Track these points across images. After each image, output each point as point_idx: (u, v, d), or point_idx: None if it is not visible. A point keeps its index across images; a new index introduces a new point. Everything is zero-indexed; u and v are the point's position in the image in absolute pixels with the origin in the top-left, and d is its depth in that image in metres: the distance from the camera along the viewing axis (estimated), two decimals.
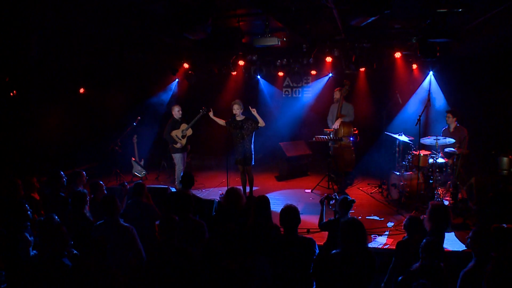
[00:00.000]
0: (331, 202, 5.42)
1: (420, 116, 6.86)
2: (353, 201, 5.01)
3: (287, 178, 10.42)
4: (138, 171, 10.48)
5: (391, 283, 4.33)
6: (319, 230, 5.53)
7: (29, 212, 5.24)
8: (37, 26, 5.58)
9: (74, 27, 6.67)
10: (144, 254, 4.67)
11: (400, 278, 3.89)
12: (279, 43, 5.47)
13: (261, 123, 7.92)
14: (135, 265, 4.60)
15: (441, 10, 5.09)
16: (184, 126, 8.80)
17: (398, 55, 9.20)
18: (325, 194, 5.55)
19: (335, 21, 6.31)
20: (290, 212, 4.01)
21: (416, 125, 6.87)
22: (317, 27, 7.31)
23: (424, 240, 3.76)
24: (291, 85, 12.99)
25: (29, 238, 4.85)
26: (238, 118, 8.04)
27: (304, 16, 5.74)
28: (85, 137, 10.73)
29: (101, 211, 5.71)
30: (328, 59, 9.86)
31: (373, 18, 3.97)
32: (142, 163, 10.56)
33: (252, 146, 8.15)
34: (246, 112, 8.09)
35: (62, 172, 6.30)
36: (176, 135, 8.78)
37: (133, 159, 10.44)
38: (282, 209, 4.12)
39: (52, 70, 9.64)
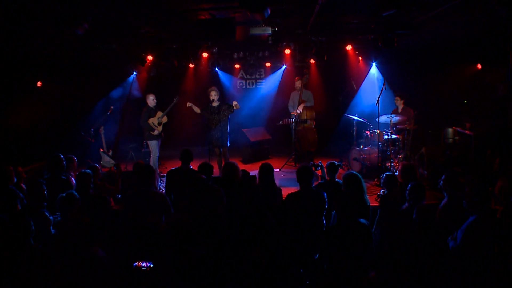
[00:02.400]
0: (317, 169, 6.33)
1: (378, 97, 8.02)
2: (340, 165, 5.96)
3: (251, 162, 11.19)
4: (107, 162, 10.69)
5: (379, 229, 5.31)
6: None
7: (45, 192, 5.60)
8: None
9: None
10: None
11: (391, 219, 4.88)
12: (271, 32, 6.29)
13: (236, 105, 8.68)
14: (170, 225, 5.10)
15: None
16: (159, 113, 9.28)
17: (349, 47, 10.41)
18: (311, 163, 6.45)
19: (308, 16, 7.24)
20: (306, 169, 4.86)
21: (376, 104, 8.02)
22: (287, 21, 8.17)
23: (409, 185, 4.78)
24: (245, 77, 13.81)
25: (49, 217, 5.22)
26: (214, 104, 8.73)
27: (286, 10, 6.56)
28: (54, 129, 10.77)
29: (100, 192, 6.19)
30: (287, 51, 10.83)
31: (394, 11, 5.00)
32: (110, 153, 10.81)
33: (228, 129, 8.89)
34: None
35: (62, 156, 6.59)
36: (152, 123, 9.25)
37: (101, 150, 10.65)
38: (298, 168, 4.96)
39: (15, 60, 9.64)
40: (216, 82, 13.17)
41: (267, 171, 5.45)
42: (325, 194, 4.89)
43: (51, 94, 10.98)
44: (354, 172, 4.98)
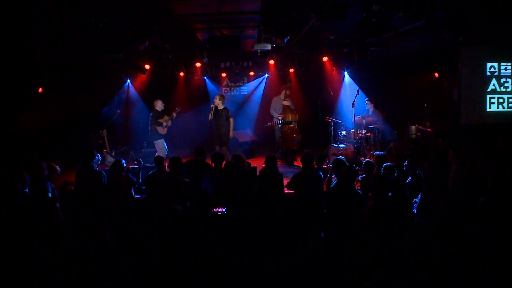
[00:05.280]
0: None
1: (354, 101, 9.55)
2: (326, 156, 7.40)
3: None
4: (110, 162, 11.71)
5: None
6: None
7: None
8: None
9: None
10: None
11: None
12: (270, 47, 7.66)
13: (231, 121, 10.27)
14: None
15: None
16: (166, 117, 10.52)
17: (325, 58, 11.94)
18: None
19: (296, 33, 8.67)
20: (308, 154, 6.28)
21: (352, 107, 9.54)
22: None
23: (384, 165, 6.26)
24: (230, 84, 15.17)
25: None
26: (220, 108, 10.15)
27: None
28: (63, 132, 11.73)
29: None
30: (271, 62, 12.25)
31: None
32: (113, 154, 11.85)
33: (228, 131, 10.28)
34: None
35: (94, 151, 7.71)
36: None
37: (105, 151, 11.69)
38: (303, 153, 6.37)
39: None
40: (204, 89, 14.49)
41: (272, 160, 6.83)
42: (321, 173, 6.33)
43: (57, 100, 11.89)
44: (341, 158, 6.46)
